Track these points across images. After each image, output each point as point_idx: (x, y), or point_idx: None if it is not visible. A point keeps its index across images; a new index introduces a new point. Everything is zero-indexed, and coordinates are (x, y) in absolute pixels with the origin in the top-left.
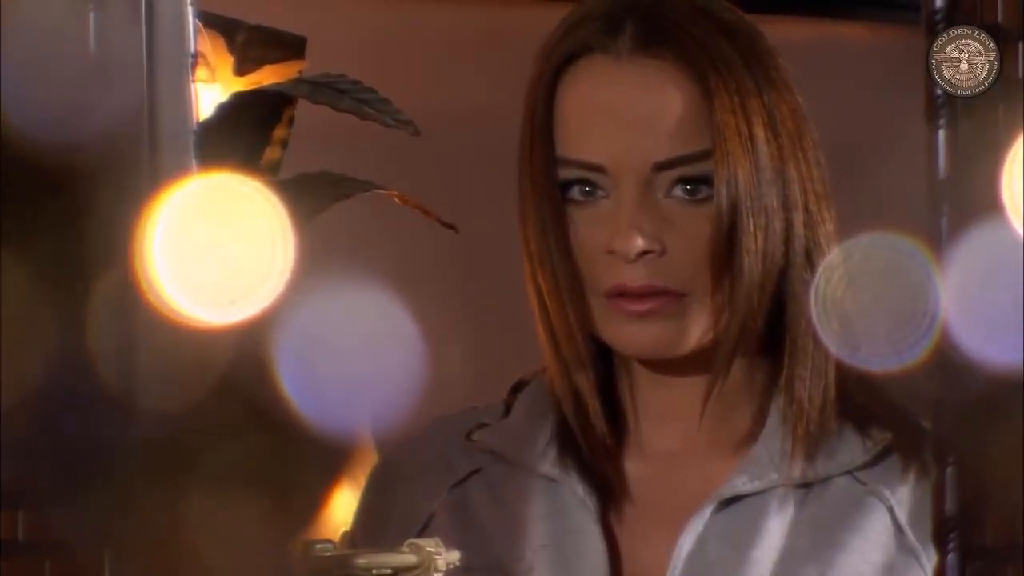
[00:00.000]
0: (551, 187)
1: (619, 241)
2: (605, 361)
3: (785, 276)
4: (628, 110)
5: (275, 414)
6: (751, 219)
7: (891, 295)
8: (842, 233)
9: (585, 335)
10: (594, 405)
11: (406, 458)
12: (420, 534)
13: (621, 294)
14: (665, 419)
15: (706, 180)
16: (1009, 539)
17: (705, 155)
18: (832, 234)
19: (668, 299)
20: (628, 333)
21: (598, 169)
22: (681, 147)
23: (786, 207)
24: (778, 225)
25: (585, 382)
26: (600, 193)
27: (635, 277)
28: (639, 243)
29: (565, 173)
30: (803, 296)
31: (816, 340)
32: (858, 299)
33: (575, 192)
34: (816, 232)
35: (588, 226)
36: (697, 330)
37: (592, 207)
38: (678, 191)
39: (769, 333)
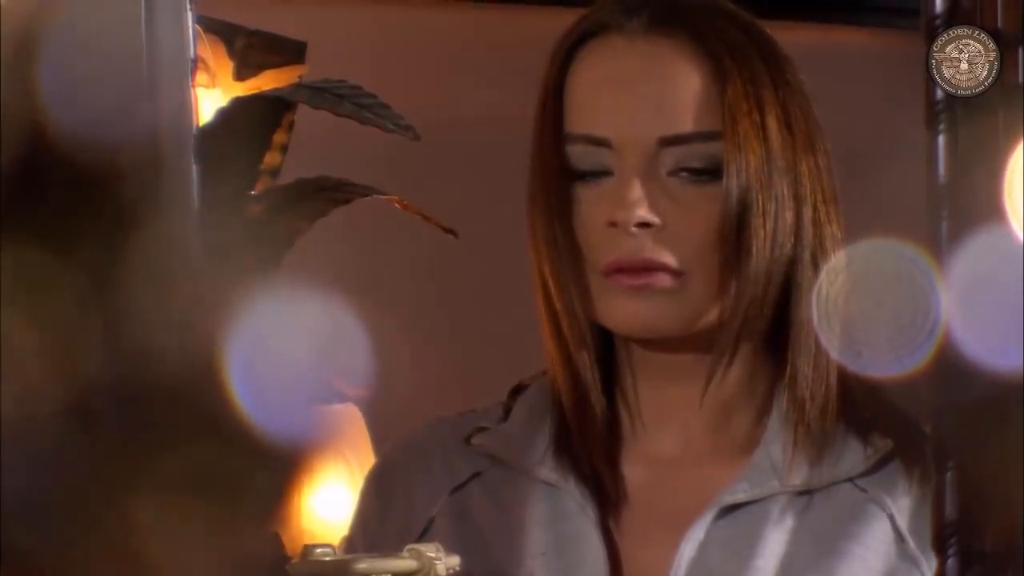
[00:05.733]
0: (559, 166)
1: (620, 211)
2: (607, 362)
3: (792, 269)
4: (636, 83)
5: (256, 419)
6: (762, 203)
7: (892, 300)
8: (843, 238)
9: (586, 318)
10: (595, 389)
11: (405, 461)
12: (420, 538)
13: (619, 270)
14: (666, 422)
15: (712, 165)
16: (1009, 544)
17: (712, 136)
18: (839, 238)
19: (665, 275)
20: (624, 309)
21: (603, 143)
22: (688, 124)
23: (796, 199)
24: (788, 215)
25: (585, 364)
26: (605, 172)
27: (633, 250)
28: (639, 212)
29: (572, 151)
30: (808, 292)
31: (819, 341)
32: (859, 304)
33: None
34: (823, 231)
35: (592, 203)
36: (694, 310)
37: (597, 186)
38: (683, 171)
39: (772, 333)
